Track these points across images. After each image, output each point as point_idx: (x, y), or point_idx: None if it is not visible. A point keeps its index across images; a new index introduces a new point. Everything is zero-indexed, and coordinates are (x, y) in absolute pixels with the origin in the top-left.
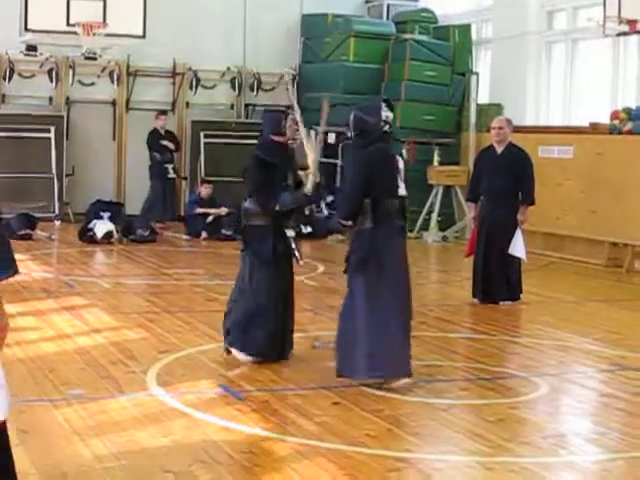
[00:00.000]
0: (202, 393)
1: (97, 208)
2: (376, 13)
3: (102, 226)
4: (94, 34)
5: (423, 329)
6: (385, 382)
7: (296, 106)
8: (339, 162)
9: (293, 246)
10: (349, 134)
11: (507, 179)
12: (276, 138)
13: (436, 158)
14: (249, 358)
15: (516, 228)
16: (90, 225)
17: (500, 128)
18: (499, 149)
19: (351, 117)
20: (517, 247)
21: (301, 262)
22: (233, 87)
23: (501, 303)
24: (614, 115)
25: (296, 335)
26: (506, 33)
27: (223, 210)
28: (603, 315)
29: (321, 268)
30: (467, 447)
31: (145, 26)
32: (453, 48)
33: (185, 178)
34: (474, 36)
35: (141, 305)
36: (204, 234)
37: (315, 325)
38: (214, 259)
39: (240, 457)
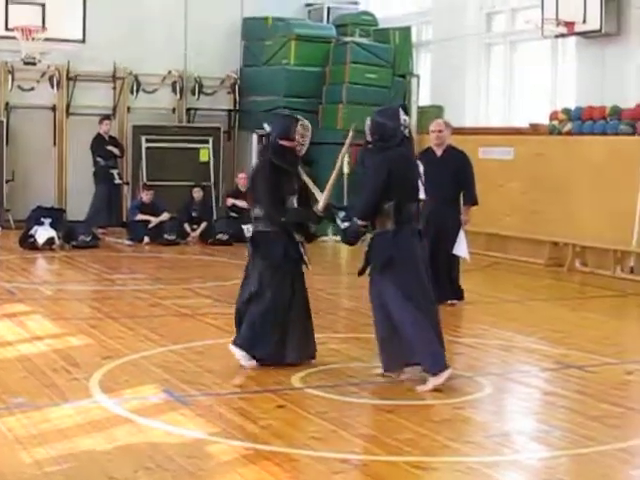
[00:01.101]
0: (146, 399)
1: (38, 214)
2: (316, 16)
3: (43, 232)
4: (33, 39)
5: (369, 331)
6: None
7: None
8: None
9: (302, 251)
10: (368, 139)
11: (449, 181)
12: (284, 143)
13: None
14: (253, 362)
15: (459, 229)
16: (31, 231)
17: (439, 131)
18: (439, 152)
19: (369, 122)
20: (460, 247)
21: (309, 267)
22: (174, 91)
23: (449, 302)
24: (553, 116)
25: None
26: (446, 35)
27: (165, 216)
28: (545, 314)
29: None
30: (413, 448)
31: (85, 30)
32: (393, 50)
33: (127, 183)
34: (414, 38)
35: (84, 311)
36: (146, 239)
37: None
38: (157, 264)
39: (185, 462)
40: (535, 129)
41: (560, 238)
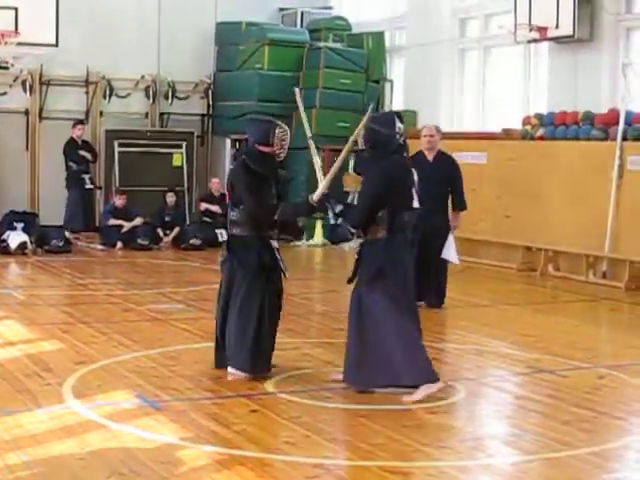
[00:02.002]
0: (119, 404)
1: (10, 219)
2: (290, 21)
3: (16, 237)
4: (6, 43)
5: (342, 336)
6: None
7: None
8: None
9: (279, 257)
10: (361, 146)
11: (440, 186)
12: (262, 148)
13: (351, 165)
14: (242, 374)
15: (448, 233)
16: (3, 236)
17: (431, 136)
18: (430, 156)
19: (364, 129)
20: (450, 252)
21: (287, 274)
22: (147, 96)
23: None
24: (526, 121)
25: (208, 344)
26: (419, 40)
27: (138, 220)
28: (518, 319)
29: None
30: (386, 452)
31: (58, 35)
32: (367, 56)
33: (100, 188)
34: (388, 43)
35: (56, 316)
36: (119, 244)
37: None
38: (130, 269)
39: (158, 467)
40: (508, 134)
41: (533, 243)
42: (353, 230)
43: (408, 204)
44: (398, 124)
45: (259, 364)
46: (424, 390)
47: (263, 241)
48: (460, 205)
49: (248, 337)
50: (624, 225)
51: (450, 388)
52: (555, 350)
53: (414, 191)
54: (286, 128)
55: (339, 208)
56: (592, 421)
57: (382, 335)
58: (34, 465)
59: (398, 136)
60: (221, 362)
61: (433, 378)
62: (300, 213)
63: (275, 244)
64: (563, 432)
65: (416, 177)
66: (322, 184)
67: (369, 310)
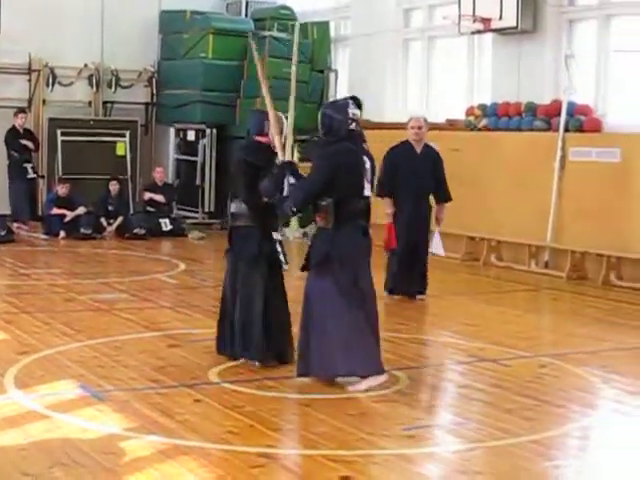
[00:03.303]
0: (62, 394)
1: None
2: (235, 10)
3: None
4: None
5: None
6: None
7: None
8: (199, 159)
9: (279, 249)
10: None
11: (427, 178)
12: (260, 139)
13: (296, 155)
14: (255, 363)
15: (429, 225)
16: None
17: (419, 128)
18: (418, 148)
19: (320, 115)
20: (437, 245)
21: (286, 267)
22: (91, 84)
23: (417, 297)
24: (469, 111)
25: (152, 334)
26: (364, 31)
27: (81, 210)
28: (461, 308)
29: (182, 266)
30: (329, 441)
31: (0, 22)
32: (312, 45)
33: (43, 177)
34: (333, 33)
35: None
36: (62, 233)
37: (171, 323)
38: (73, 258)
39: (101, 458)
40: (452, 125)
41: (476, 233)
42: (293, 210)
43: (358, 192)
44: (352, 110)
45: (268, 354)
46: (370, 381)
47: (264, 232)
48: (444, 197)
49: (255, 328)
50: (566, 215)
51: (394, 377)
52: (498, 339)
53: (365, 179)
54: (281, 115)
55: (292, 181)
56: (534, 409)
57: (326, 324)
58: None
59: (350, 121)
60: (224, 348)
61: (378, 370)
62: (277, 181)
63: (277, 236)
64: (506, 420)
65: (368, 165)
66: (280, 149)
67: (315, 298)
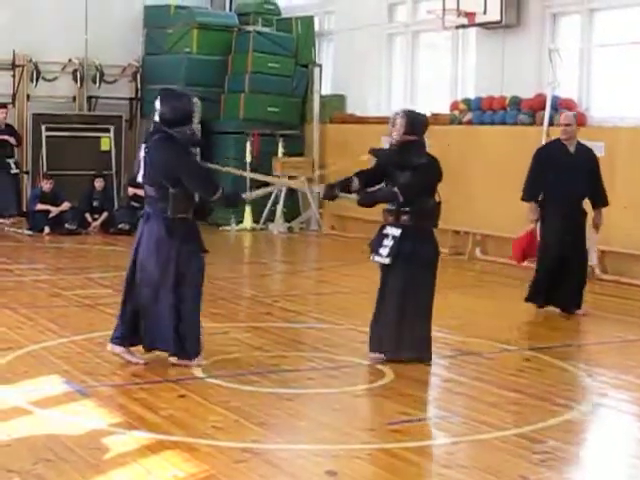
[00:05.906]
0: (46, 390)
1: None
2: (219, 5)
3: None
4: None
5: (269, 319)
6: None
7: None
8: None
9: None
10: None
11: (582, 180)
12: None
13: (280, 149)
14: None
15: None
16: None
17: (568, 125)
18: (571, 147)
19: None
20: (592, 253)
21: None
22: (75, 79)
23: (577, 312)
24: (454, 106)
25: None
26: (348, 25)
27: (66, 205)
28: (446, 302)
29: None
30: (313, 436)
31: None
32: (296, 40)
33: (27, 172)
34: (317, 28)
35: None
36: (47, 229)
37: None
38: (57, 254)
39: (86, 453)
40: (436, 119)
41: (461, 227)
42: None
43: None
44: (156, 102)
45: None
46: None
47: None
48: (603, 201)
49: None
50: None
51: (378, 371)
52: (482, 333)
53: (140, 166)
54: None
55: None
56: (519, 403)
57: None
58: None
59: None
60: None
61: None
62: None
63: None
64: (490, 414)
65: (142, 153)
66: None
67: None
